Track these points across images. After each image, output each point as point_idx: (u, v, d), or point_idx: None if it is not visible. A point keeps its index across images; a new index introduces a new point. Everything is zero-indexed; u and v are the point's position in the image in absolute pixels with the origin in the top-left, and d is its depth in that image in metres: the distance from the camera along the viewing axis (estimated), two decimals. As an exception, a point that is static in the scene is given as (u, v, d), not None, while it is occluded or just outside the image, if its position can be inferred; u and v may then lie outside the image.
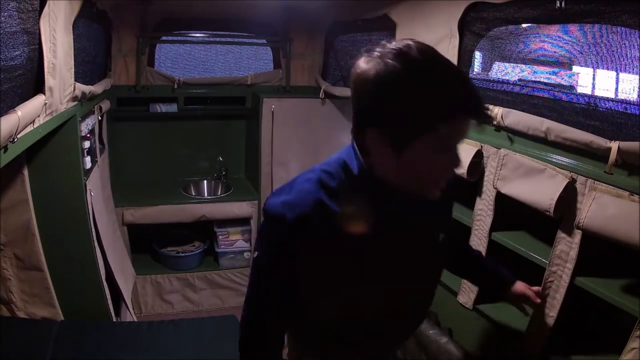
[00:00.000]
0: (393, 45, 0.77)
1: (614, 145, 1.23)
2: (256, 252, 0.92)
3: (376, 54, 0.77)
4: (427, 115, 0.75)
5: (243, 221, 3.12)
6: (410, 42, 0.77)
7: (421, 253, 0.96)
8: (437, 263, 1.08)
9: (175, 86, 3.09)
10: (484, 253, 1.74)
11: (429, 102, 0.74)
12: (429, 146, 0.77)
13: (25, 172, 1.85)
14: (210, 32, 3.20)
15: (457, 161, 0.81)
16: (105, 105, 2.62)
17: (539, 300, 1.28)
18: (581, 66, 1.50)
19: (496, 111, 1.65)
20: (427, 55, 0.77)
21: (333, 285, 0.89)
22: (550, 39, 1.57)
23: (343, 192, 0.85)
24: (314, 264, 0.87)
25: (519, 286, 1.27)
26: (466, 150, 1.73)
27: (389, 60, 0.75)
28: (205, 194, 3.40)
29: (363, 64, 0.78)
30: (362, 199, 0.84)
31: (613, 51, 1.33)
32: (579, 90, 1.51)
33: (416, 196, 0.85)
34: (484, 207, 1.72)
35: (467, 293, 1.83)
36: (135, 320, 2.66)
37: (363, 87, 0.78)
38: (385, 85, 0.75)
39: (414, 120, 0.75)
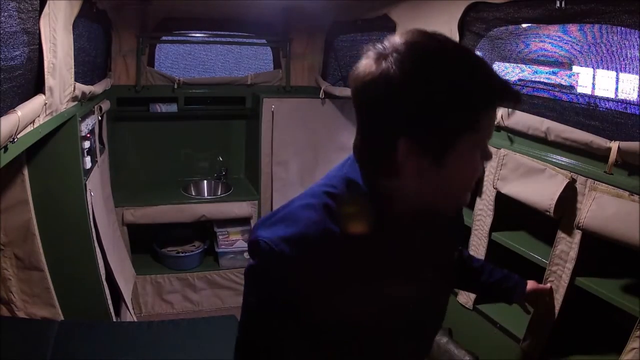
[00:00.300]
0: (402, 39, 0.66)
1: (614, 145, 1.23)
2: (250, 302, 0.75)
3: (385, 51, 0.65)
4: (467, 109, 0.65)
5: (243, 221, 3.12)
6: (417, 32, 0.67)
7: (438, 276, 0.86)
8: (451, 282, 1.01)
9: (175, 86, 3.09)
10: (483, 253, 1.74)
11: (466, 94, 0.64)
12: (470, 144, 0.67)
13: (25, 172, 1.85)
14: (210, 32, 3.20)
15: (490, 154, 0.73)
16: (105, 105, 2.62)
17: (549, 285, 1.27)
18: (581, 66, 1.50)
19: (498, 112, 1.64)
20: (446, 43, 0.67)
21: (354, 325, 0.75)
22: (550, 39, 1.57)
23: (354, 217, 0.72)
24: (330, 306, 0.72)
25: (530, 285, 1.21)
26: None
27: (408, 56, 0.64)
28: (205, 194, 3.40)
29: (372, 65, 0.65)
30: (378, 224, 0.72)
31: (613, 51, 1.33)
32: (579, 90, 1.51)
33: (433, 214, 0.77)
34: (484, 207, 1.72)
35: (467, 293, 1.84)
36: (135, 320, 2.66)
37: (380, 91, 0.65)
38: (413, 83, 0.63)
39: (455, 117, 0.64)
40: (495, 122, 1.65)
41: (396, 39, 0.66)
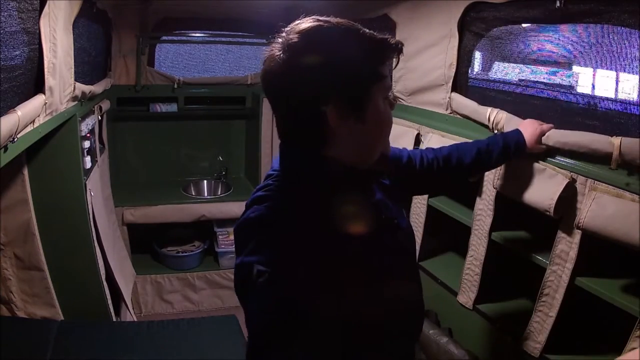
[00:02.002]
0: (298, 30, 0.78)
1: (616, 141, 1.23)
2: (257, 266, 0.71)
3: (288, 42, 0.76)
4: (369, 63, 0.76)
5: (243, 221, 3.11)
6: (306, 19, 0.80)
7: (397, 239, 0.91)
8: (413, 249, 1.03)
9: (176, 86, 3.09)
10: (483, 253, 1.74)
11: (366, 50, 0.76)
12: (381, 94, 0.79)
13: (25, 172, 1.85)
14: (210, 32, 3.20)
15: (394, 103, 0.84)
16: (105, 105, 2.62)
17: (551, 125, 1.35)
18: (581, 66, 1.50)
19: (499, 117, 1.64)
20: (335, 19, 0.80)
21: (328, 290, 0.75)
22: (550, 39, 1.57)
23: (310, 195, 0.79)
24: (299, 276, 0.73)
25: (528, 133, 1.35)
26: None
27: (313, 39, 0.76)
28: (205, 194, 3.40)
29: (281, 56, 0.75)
30: (327, 194, 0.79)
31: (613, 51, 1.33)
32: (579, 90, 1.51)
33: (367, 176, 0.85)
34: (484, 207, 1.72)
35: (467, 293, 1.83)
36: (135, 320, 2.66)
37: (293, 74, 0.75)
38: (316, 56, 0.75)
39: (362, 73, 0.76)
40: (496, 130, 1.65)
41: (292, 34, 0.77)
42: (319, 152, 0.80)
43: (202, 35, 3.21)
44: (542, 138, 1.43)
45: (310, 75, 0.75)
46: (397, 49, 0.80)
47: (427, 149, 1.25)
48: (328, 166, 0.80)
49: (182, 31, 3.15)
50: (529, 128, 1.39)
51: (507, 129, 1.61)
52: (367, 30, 0.79)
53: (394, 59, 0.82)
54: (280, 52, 0.76)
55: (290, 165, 0.83)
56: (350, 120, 0.77)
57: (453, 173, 1.26)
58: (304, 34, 0.76)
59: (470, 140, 1.77)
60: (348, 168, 0.81)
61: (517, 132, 1.38)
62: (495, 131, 1.66)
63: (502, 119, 1.63)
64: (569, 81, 1.55)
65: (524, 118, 1.52)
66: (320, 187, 0.80)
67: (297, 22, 0.79)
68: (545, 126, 1.41)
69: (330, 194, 0.78)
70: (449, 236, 2.10)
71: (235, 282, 0.76)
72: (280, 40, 0.77)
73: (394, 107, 0.84)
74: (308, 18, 0.80)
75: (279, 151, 0.86)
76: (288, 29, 0.79)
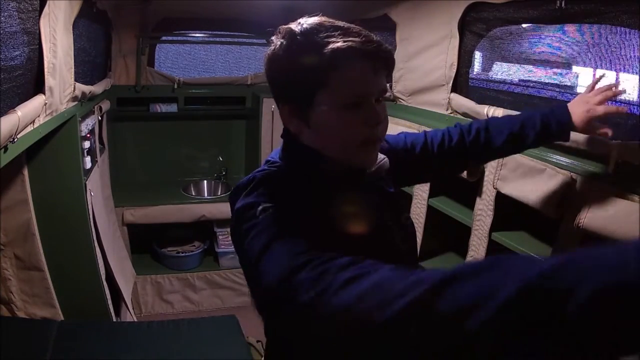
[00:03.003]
0: (285, 25, 0.80)
1: (615, 145, 1.23)
2: (263, 209, 0.69)
3: (272, 38, 0.81)
4: (311, 70, 0.74)
5: (243, 221, 3.11)
6: (304, 18, 0.80)
7: (397, 239, 0.89)
8: (413, 247, 0.99)
9: (176, 86, 3.09)
10: (483, 253, 1.74)
11: (309, 55, 0.74)
12: (328, 102, 0.76)
13: (25, 172, 1.85)
14: (210, 32, 3.20)
15: (374, 118, 0.77)
16: (105, 105, 2.62)
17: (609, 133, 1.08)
18: (581, 66, 1.50)
19: (497, 113, 1.64)
20: (312, 20, 0.78)
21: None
22: (550, 39, 1.57)
23: (299, 179, 0.80)
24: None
25: (581, 110, 1.07)
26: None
27: (276, 39, 0.79)
28: (205, 194, 3.40)
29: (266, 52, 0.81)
30: (318, 179, 0.80)
31: (613, 51, 1.33)
32: (579, 90, 1.51)
33: (355, 164, 0.82)
34: (484, 207, 1.72)
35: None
36: (135, 320, 2.66)
37: (264, 70, 0.82)
38: (272, 61, 0.79)
39: (301, 79, 0.76)
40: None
41: (281, 27, 0.80)
42: (299, 141, 0.83)
43: (202, 35, 3.21)
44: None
45: (270, 72, 0.81)
46: (360, 53, 0.74)
47: (442, 130, 1.10)
48: (314, 158, 0.82)
49: (182, 31, 3.15)
50: (580, 106, 1.09)
51: None
52: (338, 32, 0.75)
53: (366, 66, 0.75)
54: (270, 45, 0.81)
55: (285, 153, 0.88)
56: (297, 120, 0.80)
57: (480, 155, 1.13)
58: (283, 30, 0.79)
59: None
60: (333, 162, 0.81)
61: (563, 109, 1.10)
62: None
63: (500, 115, 1.63)
64: (569, 81, 1.55)
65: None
66: (311, 178, 0.81)
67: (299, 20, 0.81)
68: (601, 108, 1.09)
69: (322, 185, 0.79)
70: (449, 236, 2.10)
71: (234, 226, 0.75)
72: (275, 35, 0.81)
73: (375, 122, 0.77)
74: (312, 16, 0.81)
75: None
76: (283, 26, 0.81)
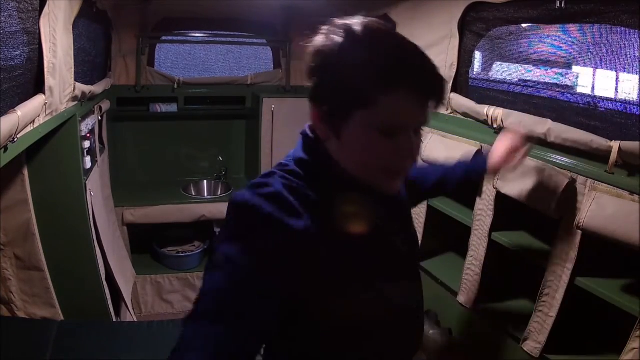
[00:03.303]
0: (341, 20, 0.73)
1: (615, 145, 1.23)
2: (225, 253, 0.68)
3: (323, 30, 0.74)
4: (360, 85, 0.68)
5: (243, 221, 3.11)
6: (359, 18, 0.73)
7: (402, 250, 0.87)
8: (418, 260, 1.02)
9: (176, 86, 3.09)
10: (484, 253, 1.74)
11: (363, 70, 0.68)
12: (367, 123, 0.69)
13: (25, 172, 1.85)
14: (210, 32, 3.20)
15: (408, 151, 0.72)
16: (105, 105, 2.62)
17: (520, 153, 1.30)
18: (581, 66, 1.50)
19: (497, 113, 1.64)
20: (371, 28, 0.71)
21: (331, 291, 0.74)
22: (550, 39, 1.57)
23: (309, 187, 0.74)
24: (309, 270, 0.71)
25: (496, 154, 1.27)
26: (466, 150, 1.74)
27: (331, 35, 0.71)
28: (205, 194, 3.40)
29: (312, 42, 0.74)
30: (329, 191, 0.75)
31: (613, 51, 1.33)
32: (579, 90, 1.51)
33: (372, 186, 0.77)
34: (484, 207, 1.72)
35: (467, 293, 1.83)
36: (135, 320, 2.66)
37: (306, 63, 0.74)
38: (322, 57, 0.72)
39: (346, 91, 0.69)
40: (496, 125, 1.65)
41: (337, 21, 0.74)
42: (319, 144, 0.78)
43: (202, 35, 3.21)
44: (544, 135, 1.43)
45: (315, 66, 0.73)
46: (417, 89, 0.68)
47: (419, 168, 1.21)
48: (333, 169, 0.76)
49: (182, 31, 3.15)
50: (503, 144, 1.28)
51: (506, 123, 1.61)
52: (404, 51, 0.70)
53: (418, 97, 0.69)
54: (319, 37, 0.74)
55: (304, 154, 0.80)
56: (329, 129, 0.75)
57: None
58: (342, 26, 0.72)
59: (471, 141, 1.78)
60: (353, 178, 0.76)
61: (482, 161, 1.29)
62: (495, 126, 1.66)
63: (500, 115, 1.63)
64: (569, 81, 1.55)
65: (524, 118, 1.52)
66: (323, 184, 0.76)
67: (359, 18, 0.74)
68: (521, 148, 1.30)
69: (332, 193, 0.75)
70: (449, 236, 2.10)
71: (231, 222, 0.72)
72: (325, 27, 0.74)
73: (412, 157, 0.74)
74: (370, 18, 0.74)
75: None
76: (338, 20, 0.74)
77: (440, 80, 0.70)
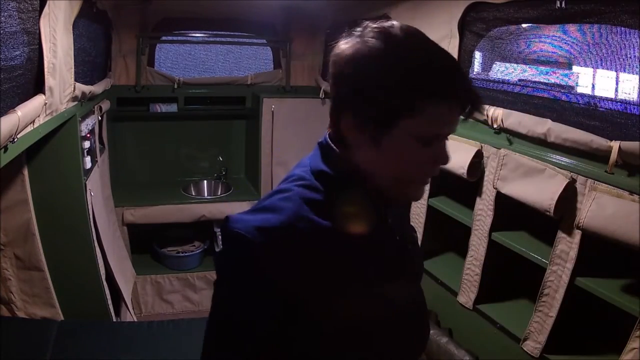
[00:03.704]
0: (375, 24, 0.70)
1: (615, 145, 1.23)
2: (221, 296, 0.70)
3: (356, 33, 0.70)
4: (408, 93, 0.66)
5: (243, 221, 3.11)
6: (394, 22, 0.70)
7: (411, 260, 0.86)
8: (421, 270, 0.99)
9: (176, 86, 3.09)
10: (484, 253, 1.74)
11: (411, 77, 0.66)
12: (410, 132, 0.68)
13: (25, 172, 1.85)
14: (210, 32, 3.21)
15: (444, 157, 0.73)
16: (105, 105, 2.62)
17: None
18: (581, 66, 1.50)
19: (497, 113, 1.64)
20: (411, 33, 0.70)
21: (346, 318, 0.71)
22: (550, 39, 1.57)
23: (332, 202, 0.71)
24: (317, 298, 0.69)
25: None
26: (466, 150, 1.73)
27: (369, 38, 0.68)
28: (205, 194, 3.40)
29: (341, 44, 0.70)
30: (357, 207, 0.72)
31: (613, 51, 1.33)
32: (579, 90, 1.51)
33: (397, 197, 0.76)
34: (484, 207, 1.72)
35: (467, 293, 1.83)
36: (135, 320, 2.66)
37: (339, 68, 0.70)
38: (362, 62, 0.68)
39: (393, 98, 0.67)
40: (496, 125, 1.66)
41: (372, 25, 0.70)
42: (342, 151, 0.74)
43: (202, 35, 3.21)
44: (544, 135, 1.41)
45: (349, 72, 0.69)
46: (461, 98, 0.69)
47: None
48: (347, 172, 0.74)
49: (182, 31, 3.15)
50: None
51: (507, 123, 1.62)
52: (442, 62, 0.70)
53: (458, 106, 0.69)
54: (353, 40, 0.70)
55: (313, 168, 0.75)
56: (364, 136, 0.70)
57: None
58: (375, 29, 0.69)
59: (471, 141, 1.77)
60: (364, 184, 0.74)
61: None
62: (495, 126, 1.66)
63: (500, 115, 1.63)
64: (569, 81, 1.55)
65: (524, 118, 1.52)
66: (336, 194, 0.73)
67: (386, 21, 0.71)
68: None
69: (342, 203, 0.72)
70: (449, 236, 2.10)
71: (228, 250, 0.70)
72: (358, 30, 0.70)
73: (446, 162, 0.73)
74: (400, 23, 0.72)
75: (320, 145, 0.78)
76: (372, 24, 0.70)
77: (476, 89, 0.72)
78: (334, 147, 0.74)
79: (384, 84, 0.67)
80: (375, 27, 0.69)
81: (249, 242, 0.65)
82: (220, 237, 2.99)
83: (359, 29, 0.70)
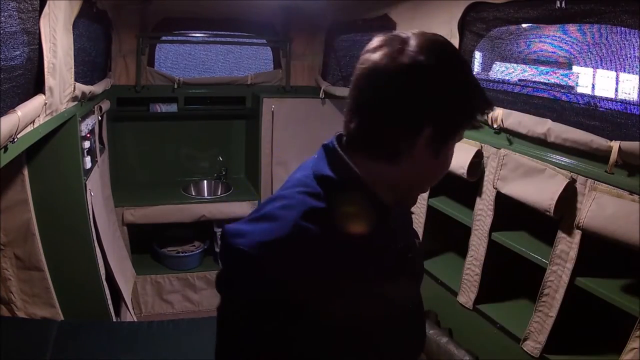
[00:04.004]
0: (422, 37, 0.68)
1: (615, 145, 1.23)
2: (230, 312, 0.68)
3: (408, 45, 0.66)
4: (471, 109, 0.70)
5: (243, 221, 3.12)
6: (434, 34, 0.71)
7: (412, 264, 0.85)
8: (422, 272, 0.99)
9: (176, 86, 3.09)
10: (484, 253, 1.74)
11: (473, 95, 0.70)
12: (455, 141, 0.72)
13: (25, 172, 1.85)
14: (210, 32, 3.20)
15: (450, 163, 0.78)
16: (105, 105, 2.62)
17: None
18: (581, 66, 1.50)
19: (497, 113, 1.65)
20: (454, 48, 0.73)
21: (351, 325, 0.69)
22: (550, 39, 1.57)
23: (336, 211, 0.69)
24: (322, 306, 0.68)
25: None
26: (466, 150, 1.73)
27: (437, 53, 0.67)
28: (205, 194, 3.40)
29: (395, 56, 0.66)
30: (361, 216, 0.71)
31: (613, 51, 1.33)
32: (579, 90, 1.51)
33: (400, 204, 0.77)
34: (484, 207, 1.72)
35: (467, 293, 1.84)
36: (135, 320, 2.66)
37: (408, 81, 0.66)
38: (418, 76, 0.66)
39: (462, 114, 0.70)
40: (496, 125, 1.66)
41: (414, 35, 0.68)
42: (379, 164, 0.71)
43: (202, 35, 3.21)
44: (544, 135, 1.42)
45: (429, 90, 0.66)
46: (489, 107, 0.74)
47: None
48: (370, 183, 0.72)
49: (182, 31, 3.15)
50: None
51: (507, 123, 1.62)
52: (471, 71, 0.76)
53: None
54: (401, 53, 0.66)
55: (320, 174, 0.72)
56: (430, 150, 0.69)
57: None
58: (433, 48, 0.67)
59: (471, 141, 1.77)
60: (389, 193, 0.73)
61: None
62: (495, 126, 1.66)
63: (500, 115, 1.63)
64: (569, 81, 1.55)
65: (524, 118, 1.52)
66: (343, 204, 0.71)
67: (418, 33, 0.70)
68: None
69: (347, 211, 0.71)
70: (449, 236, 2.10)
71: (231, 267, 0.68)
72: (399, 43, 0.67)
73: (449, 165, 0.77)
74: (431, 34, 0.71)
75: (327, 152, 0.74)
76: (410, 35, 0.68)
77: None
78: (342, 153, 0.72)
79: (461, 102, 0.69)
80: (426, 40, 0.67)
81: (252, 258, 0.64)
82: (220, 245, 2.98)
83: (397, 38, 0.67)
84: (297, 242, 0.65)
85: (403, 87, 0.66)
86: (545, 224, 1.51)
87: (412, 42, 0.67)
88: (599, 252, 1.37)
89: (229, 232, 0.67)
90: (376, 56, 0.67)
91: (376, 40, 0.69)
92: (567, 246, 1.40)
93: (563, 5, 1.39)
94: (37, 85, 1.39)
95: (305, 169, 0.75)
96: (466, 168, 1.70)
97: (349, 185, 0.71)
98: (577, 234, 1.36)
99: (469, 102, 0.69)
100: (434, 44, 0.68)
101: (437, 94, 0.67)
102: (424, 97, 0.66)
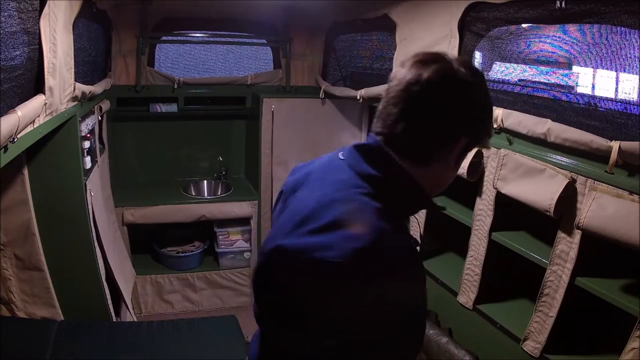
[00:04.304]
0: (461, 58, 0.81)
1: (615, 145, 1.23)
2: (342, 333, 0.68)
3: (457, 63, 0.77)
4: (491, 119, 0.83)
5: (243, 221, 3.12)
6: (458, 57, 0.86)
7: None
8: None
9: (176, 86, 3.09)
10: (484, 253, 1.74)
11: (490, 103, 0.82)
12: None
13: (25, 172, 1.85)
14: (210, 32, 3.20)
15: None
16: (105, 105, 2.62)
17: None
18: (581, 66, 1.50)
19: (497, 113, 1.65)
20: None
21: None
22: (550, 39, 1.57)
23: (396, 209, 0.74)
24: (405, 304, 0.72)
25: None
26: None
27: (464, 69, 0.77)
28: (205, 194, 3.40)
29: (452, 71, 0.75)
30: (414, 212, 0.85)
31: (613, 51, 1.33)
32: (579, 90, 1.51)
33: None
34: (484, 207, 1.72)
35: (467, 293, 1.84)
36: (135, 320, 2.66)
37: (459, 93, 0.76)
38: (467, 84, 0.76)
39: (488, 127, 0.82)
40: (496, 125, 1.66)
41: (453, 55, 0.79)
42: (415, 166, 0.77)
43: (202, 35, 3.21)
44: (544, 135, 1.45)
45: (473, 104, 0.78)
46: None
47: None
48: (415, 187, 0.78)
49: (182, 31, 3.15)
50: None
51: (507, 123, 1.62)
52: None
53: None
54: (452, 71, 0.76)
55: (368, 173, 0.76)
56: (455, 158, 0.80)
57: None
58: (474, 68, 0.80)
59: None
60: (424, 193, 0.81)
61: None
62: (495, 126, 1.66)
63: (500, 115, 1.63)
64: (569, 81, 1.55)
65: (524, 118, 1.52)
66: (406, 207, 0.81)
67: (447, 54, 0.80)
68: None
69: (405, 209, 0.81)
70: (449, 236, 2.10)
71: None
72: (446, 62, 0.76)
73: None
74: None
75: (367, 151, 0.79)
76: (449, 54, 0.79)
77: None
78: (391, 153, 0.77)
79: (485, 110, 0.81)
80: (466, 60, 0.84)
81: (348, 268, 0.65)
82: (219, 236, 3.03)
83: (444, 57, 0.77)
84: (383, 242, 0.68)
85: (454, 100, 0.76)
86: (545, 224, 1.51)
87: (456, 62, 0.77)
88: (599, 252, 1.37)
89: (297, 249, 0.69)
90: (428, 71, 0.75)
91: (421, 55, 0.78)
92: (567, 246, 1.40)
93: (563, 5, 1.39)
94: (37, 85, 1.39)
95: (335, 170, 0.79)
96: (466, 168, 1.70)
97: (396, 184, 0.76)
98: (577, 234, 1.36)
99: (491, 117, 0.83)
100: (472, 65, 0.80)
101: (477, 109, 0.79)
102: (469, 111, 0.77)
